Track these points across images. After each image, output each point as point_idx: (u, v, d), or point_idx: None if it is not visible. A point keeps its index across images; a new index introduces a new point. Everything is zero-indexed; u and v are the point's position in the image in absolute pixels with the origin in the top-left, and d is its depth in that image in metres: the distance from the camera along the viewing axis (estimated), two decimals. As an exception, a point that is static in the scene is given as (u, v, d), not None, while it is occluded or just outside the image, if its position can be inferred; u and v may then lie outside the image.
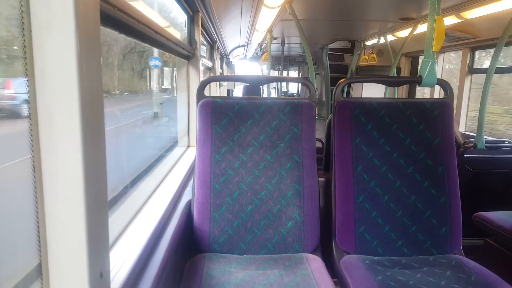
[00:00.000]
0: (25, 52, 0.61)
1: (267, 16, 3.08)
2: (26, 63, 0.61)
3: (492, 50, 2.69)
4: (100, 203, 0.70)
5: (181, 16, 2.51)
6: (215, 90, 5.44)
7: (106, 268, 0.74)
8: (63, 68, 0.60)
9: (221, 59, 6.77)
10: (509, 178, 2.46)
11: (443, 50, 3.97)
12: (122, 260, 0.95)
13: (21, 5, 0.60)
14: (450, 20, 2.92)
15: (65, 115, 0.61)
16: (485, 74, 2.56)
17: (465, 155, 2.44)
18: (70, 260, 0.65)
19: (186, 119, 2.48)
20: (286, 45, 5.44)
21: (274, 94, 9.49)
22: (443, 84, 1.64)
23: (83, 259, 0.65)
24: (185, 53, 2.25)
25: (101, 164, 0.69)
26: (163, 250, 1.11)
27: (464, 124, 3.75)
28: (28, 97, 0.62)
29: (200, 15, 2.52)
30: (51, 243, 0.65)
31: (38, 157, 0.63)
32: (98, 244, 0.69)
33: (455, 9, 2.66)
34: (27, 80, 0.61)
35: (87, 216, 0.64)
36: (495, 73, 2.52)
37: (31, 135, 0.62)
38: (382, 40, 4.21)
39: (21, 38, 0.61)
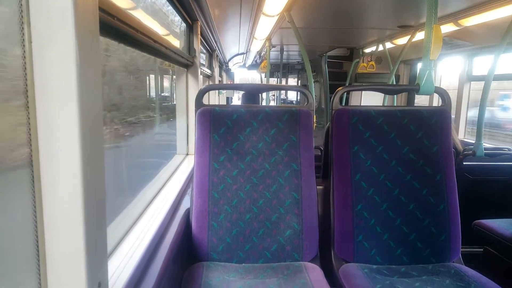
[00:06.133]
0: (25, 62, 0.62)
1: (266, 24, 3.10)
2: (26, 74, 0.62)
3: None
4: (98, 211, 0.70)
5: (180, 24, 2.52)
6: (214, 98, 5.46)
7: (104, 277, 0.74)
8: (63, 79, 0.61)
9: (220, 67, 6.80)
10: (508, 185, 2.46)
11: (441, 57, 3.98)
12: (120, 269, 0.95)
13: (21, 16, 0.61)
14: (448, 28, 2.93)
15: (65, 125, 0.61)
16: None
17: (464, 163, 2.44)
18: (68, 269, 0.65)
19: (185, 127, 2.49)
20: (285, 53, 5.46)
21: (273, 102, 9.50)
22: (441, 92, 1.64)
23: (81, 268, 0.65)
24: (184, 61, 2.27)
25: (99, 173, 0.70)
26: (161, 259, 1.11)
27: (463, 131, 3.76)
28: (28, 107, 0.62)
29: (199, 23, 2.54)
30: (49, 252, 0.65)
31: (37, 166, 0.63)
32: (97, 253, 0.69)
33: (453, 17, 2.68)
34: (26, 91, 0.62)
35: (85, 225, 0.64)
36: (493, 80, 2.53)
37: (30, 144, 0.63)
38: (381, 48, 4.24)
39: (21, 49, 0.62)
